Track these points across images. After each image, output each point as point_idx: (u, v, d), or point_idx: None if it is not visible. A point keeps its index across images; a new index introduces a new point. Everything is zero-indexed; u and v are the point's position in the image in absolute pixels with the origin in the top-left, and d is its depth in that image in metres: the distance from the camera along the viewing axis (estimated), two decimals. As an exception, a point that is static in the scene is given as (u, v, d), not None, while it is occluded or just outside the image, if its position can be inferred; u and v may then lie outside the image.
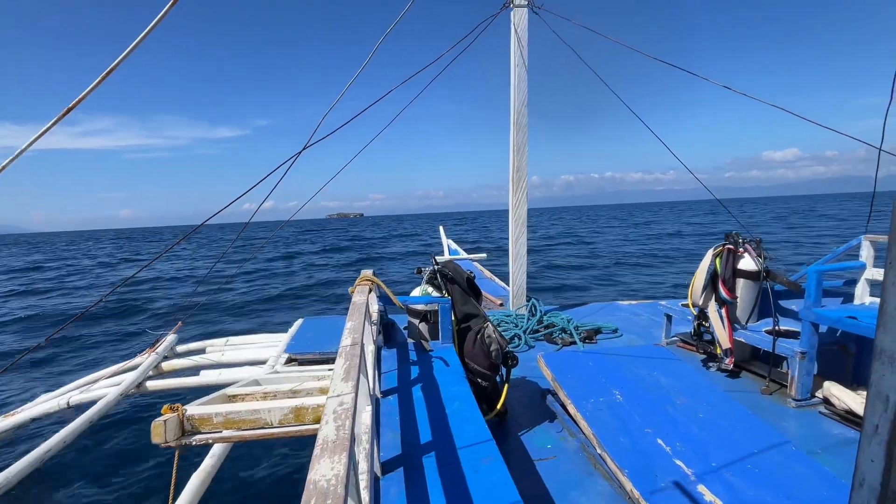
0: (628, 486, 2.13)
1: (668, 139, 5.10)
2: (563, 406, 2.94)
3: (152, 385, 4.22)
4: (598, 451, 2.42)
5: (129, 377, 4.14)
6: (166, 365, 4.61)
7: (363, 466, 1.22)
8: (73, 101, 2.00)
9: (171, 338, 4.93)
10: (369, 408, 1.47)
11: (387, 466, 1.60)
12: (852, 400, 2.91)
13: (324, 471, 0.73)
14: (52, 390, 4.56)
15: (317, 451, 0.80)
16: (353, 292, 2.49)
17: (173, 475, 2.00)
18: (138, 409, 6.50)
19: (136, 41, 2.03)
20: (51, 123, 2.00)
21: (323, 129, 3.45)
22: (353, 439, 0.86)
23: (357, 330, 1.62)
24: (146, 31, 2.02)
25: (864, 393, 2.99)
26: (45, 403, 4.24)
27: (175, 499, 2.55)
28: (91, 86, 2.00)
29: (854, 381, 3.24)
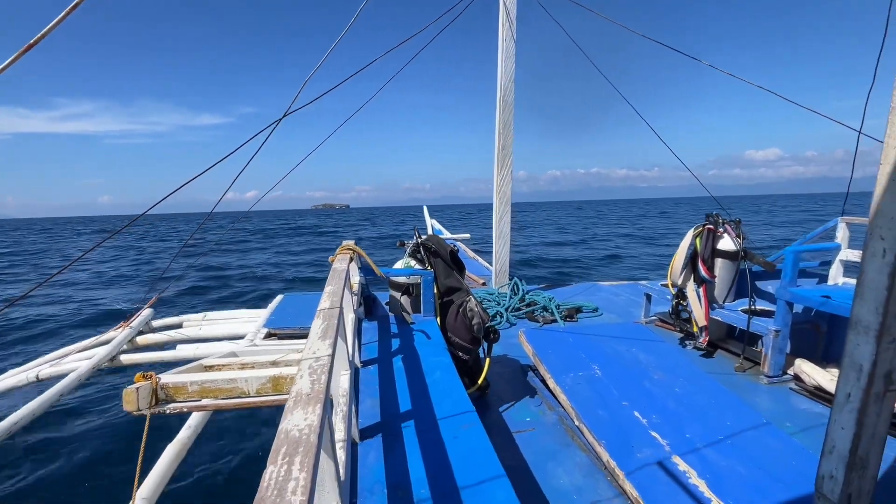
0: (605, 456, 2.16)
1: (655, 134, 5.09)
2: (543, 381, 2.97)
3: (126, 359, 4.12)
4: (576, 423, 2.45)
5: (101, 350, 4.03)
6: (141, 339, 4.50)
7: (340, 427, 1.19)
8: None
9: (146, 312, 4.81)
10: (347, 372, 1.44)
11: (365, 433, 1.58)
12: (822, 376, 3.00)
13: (296, 420, 0.70)
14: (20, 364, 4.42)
15: (290, 403, 0.76)
16: (333, 261, 2.44)
17: (142, 444, 1.95)
18: (113, 381, 6.38)
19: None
20: None
21: (303, 101, 3.34)
22: (328, 394, 0.83)
23: (336, 294, 1.58)
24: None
25: (834, 370, 3.08)
26: (13, 377, 4.11)
27: (144, 468, 2.50)
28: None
29: (824, 358, 3.34)
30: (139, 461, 1.80)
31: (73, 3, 1.54)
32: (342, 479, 0.94)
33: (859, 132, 3.25)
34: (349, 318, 2.01)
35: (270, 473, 0.59)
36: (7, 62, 1.50)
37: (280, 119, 3.01)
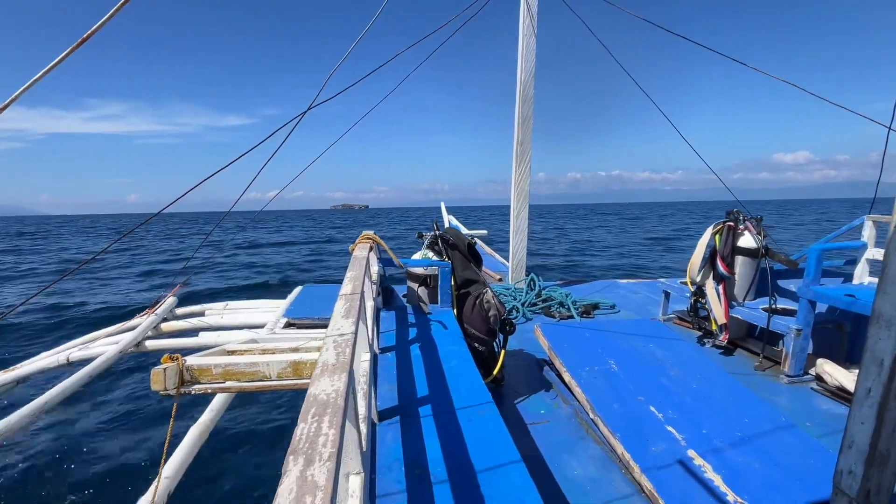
0: (619, 449, 2.17)
1: (677, 137, 5.02)
2: (559, 374, 2.97)
3: (151, 344, 4.25)
4: (591, 416, 2.46)
5: (128, 336, 4.17)
6: (165, 326, 4.64)
7: (361, 404, 1.23)
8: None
9: (170, 300, 4.96)
10: (367, 355, 1.48)
11: (383, 415, 1.62)
12: (844, 377, 2.94)
13: (324, 386, 0.73)
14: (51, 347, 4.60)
15: (316, 372, 0.80)
16: (353, 249, 2.49)
17: (170, 425, 2.02)
18: (137, 366, 6.59)
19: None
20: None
21: (325, 97, 3.39)
22: (352, 366, 0.87)
23: (357, 279, 1.62)
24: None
25: (857, 371, 3.02)
26: (45, 360, 4.28)
27: (170, 449, 2.59)
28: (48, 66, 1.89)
29: (848, 359, 3.27)
30: (167, 441, 1.87)
31: (119, 4, 1.60)
32: (364, 450, 0.97)
33: (889, 128, 3.17)
34: (368, 305, 2.06)
35: (302, 430, 0.62)
36: (56, 60, 1.57)
37: (304, 113, 3.07)
